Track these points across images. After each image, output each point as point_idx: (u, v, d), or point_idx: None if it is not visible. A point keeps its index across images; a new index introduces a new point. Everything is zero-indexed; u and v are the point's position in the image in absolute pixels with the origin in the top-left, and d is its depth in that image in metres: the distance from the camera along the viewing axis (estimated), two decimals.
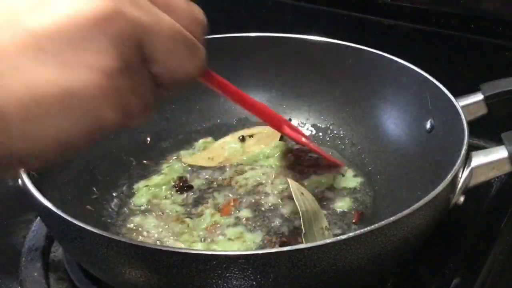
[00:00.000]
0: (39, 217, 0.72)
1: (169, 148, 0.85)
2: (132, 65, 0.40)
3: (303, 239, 0.62)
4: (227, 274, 0.50)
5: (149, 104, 0.43)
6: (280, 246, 0.66)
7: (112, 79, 0.39)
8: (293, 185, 0.67)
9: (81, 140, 0.39)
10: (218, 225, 0.70)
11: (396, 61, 0.78)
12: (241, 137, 0.85)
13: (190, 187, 0.77)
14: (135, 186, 0.78)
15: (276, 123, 0.74)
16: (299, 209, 0.64)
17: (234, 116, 0.88)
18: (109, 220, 0.73)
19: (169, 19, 0.42)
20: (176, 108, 0.87)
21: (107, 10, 0.38)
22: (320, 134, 0.86)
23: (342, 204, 0.73)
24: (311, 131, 0.87)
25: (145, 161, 0.82)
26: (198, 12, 0.48)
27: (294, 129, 0.79)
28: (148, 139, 0.85)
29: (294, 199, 0.65)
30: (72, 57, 0.38)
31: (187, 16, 0.45)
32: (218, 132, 0.87)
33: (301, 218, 0.63)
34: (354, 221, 0.71)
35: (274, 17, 1.03)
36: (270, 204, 0.73)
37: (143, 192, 0.76)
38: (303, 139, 0.78)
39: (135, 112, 0.42)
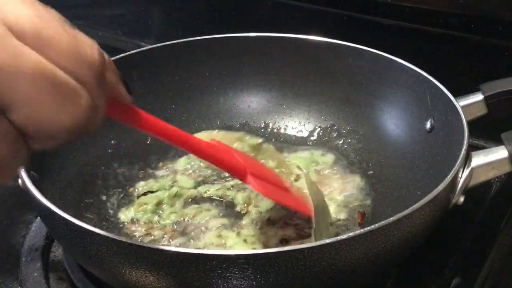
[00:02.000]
0: (39, 217, 0.72)
1: (169, 148, 0.85)
2: None
3: (313, 234, 0.62)
4: (227, 274, 0.50)
5: (9, 161, 0.36)
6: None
7: None
8: (307, 179, 0.68)
9: None
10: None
11: (396, 61, 0.78)
12: None
13: None
14: (135, 187, 0.78)
15: (239, 171, 0.61)
16: (312, 204, 0.64)
17: (234, 116, 0.88)
18: (109, 219, 0.73)
19: (34, 58, 0.34)
20: (176, 108, 0.87)
21: None
22: (320, 134, 0.86)
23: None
24: (311, 131, 0.87)
25: (145, 161, 0.82)
26: (87, 49, 0.37)
27: (267, 178, 0.65)
28: (148, 139, 0.85)
29: (308, 193, 0.65)
30: None
31: (68, 54, 0.36)
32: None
33: (313, 212, 0.63)
34: (359, 221, 0.71)
35: (274, 17, 1.03)
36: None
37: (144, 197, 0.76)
38: (277, 192, 0.66)
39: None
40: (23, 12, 0.34)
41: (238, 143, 0.71)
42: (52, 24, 0.36)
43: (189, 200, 0.75)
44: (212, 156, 0.58)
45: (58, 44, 0.35)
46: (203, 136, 0.60)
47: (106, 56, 0.39)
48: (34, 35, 0.34)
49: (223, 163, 0.59)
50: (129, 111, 0.48)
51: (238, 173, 0.61)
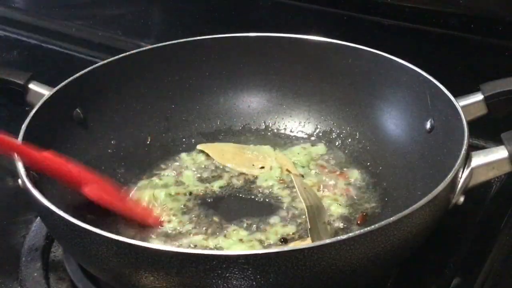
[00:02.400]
0: (39, 217, 0.72)
1: (169, 148, 0.85)
2: None
3: (309, 234, 0.62)
4: (227, 274, 0.50)
5: None
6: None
7: None
8: (296, 180, 0.68)
9: None
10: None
11: (396, 61, 0.78)
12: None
13: None
14: (136, 187, 0.78)
15: (82, 183, 0.68)
16: (304, 204, 0.64)
17: (234, 116, 0.88)
18: (109, 219, 0.72)
19: None
20: (176, 108, 0.87)
21: None
22: (320, 134, 0.86)
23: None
24: (311, 131, 0.87)
25: (145, 161, 0.82)
26: None
27: (106, 189, 0.71)
28: (148, 139, 0.85)
29: (299, 194, 0.65)
30: None
31: None
32: (218, 132, 0.87)
33: (306, 213, 0.63)
34: (358, 222, 0.71)
35: (274, 17, 1.03)
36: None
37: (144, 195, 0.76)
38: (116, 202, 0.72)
39: None
40: None
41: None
42: None
43: (194, 198, 0.75)
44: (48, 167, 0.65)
45: None
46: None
47: None
48: None
49: (58, 172, 0.66)
50: None
51: (73, 182, 0.68)
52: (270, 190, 0.76)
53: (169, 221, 0.71)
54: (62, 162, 0.67)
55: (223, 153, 0.83)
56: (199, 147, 0.84)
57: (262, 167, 0.80)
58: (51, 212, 0.55)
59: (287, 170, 0.78)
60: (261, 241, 0.68)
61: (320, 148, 0.83)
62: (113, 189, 0.73)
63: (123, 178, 0.79)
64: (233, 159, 0.82)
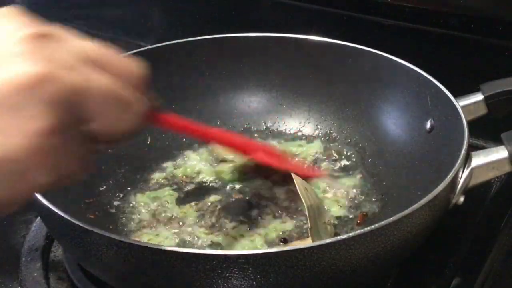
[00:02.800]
0: (39, 217, 0.72)
1: (169, 148, 0.85)
2: (65, 126, 0.40)
3: (310, 234, 0.62)
4: (227, 274, 0.50)
5: (83, 163, 0.44)
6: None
7: (45, 142, 0.39)
8: (297, 180, 0.67)
9: (12, 202, 0.40)
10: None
11: (396, 61, 0.78)
12: None
13: None
14: (136, 187, 0.78)
15: (249, 151, 0.73)
16: (304, 204, 0.64)
17: (234, 116, 0.88)
18: (110, 221, 0.73)
19: (101, 79, 0.42)
20: (176, 108, 0.86)
21: (40, 75, 0.38)
22: (320, 134, 0.86)
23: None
24: (311, 131, 0.86)
25: (145, 161, 0.82)
26: (134, 65, 0.47)
27: (271, 153, 0.77)
28: (148, 139, 0.85)
29: (299, 194, 0.65)
30: (4, 123, 0.38)
31: (122, 71, 0.45)
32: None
33: (307, 213, 0.63)
34: (358, 222, 0.71)
35: (274, 17, 1.03)
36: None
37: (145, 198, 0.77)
38: (281, 163, 0.76)
39: (69, 171, 0.43)
40: (86, 43, 0.44)
41: None
42: (107, 50, 0.45)
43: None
44: (230, 142, 0.70)
45: (113, 64, 0.44)
46: None
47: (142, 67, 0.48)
48: (98, 60, 0.43)
49: (236, 144, 0.71)
50: (158, 116, 0.56)
51: (250, 152, 0.72)
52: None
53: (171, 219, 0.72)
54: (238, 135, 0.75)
55: None
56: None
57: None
58: (51, 212, 0.55)
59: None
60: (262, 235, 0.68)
61: (316, 144, 0.84)
62: (276, 153, 0.78)
63: (123, 178, 0.79)
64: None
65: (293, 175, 0.69)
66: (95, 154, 0.46)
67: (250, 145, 0.75)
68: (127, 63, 0.46)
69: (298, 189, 0.66)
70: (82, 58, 0.42)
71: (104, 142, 0.45)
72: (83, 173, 0.45)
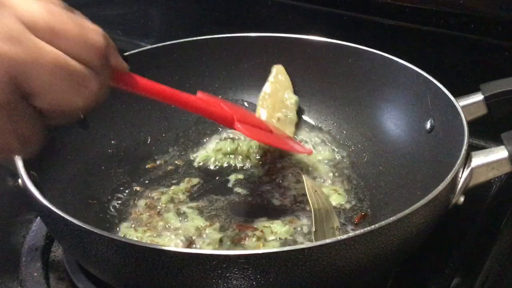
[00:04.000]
0: (39, 217, 0.72)
1: (169, 148, 0.85)
2: (9, 102, 0.38)
3: (313, 237, 0.62)
4: (227, 274, 0.50)
5: (31, 139, 0.41)
6: None
7: None
8: (307, 182, 0.67)
9: None
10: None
11: (396, 61, 0.78)
12: None
13: None
14: (136, 187, 0.78)
15: (227, 120, 0.67)
16: (311, 207, 0.64)
17: None
18: (110, 221, 0.73)
19: (50, 51, 0.39)
20: (176, 108, 0.87)
21: None
22: (320, 134, 0.86)
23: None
24: (311, 131, 0.87)
25: (145, 161, 0.82)
26: (93, 36, 0.43)
27: (252, 122, 0.72)
28: (148, 139, 0.85)
29: (308, 196, 0.65)
30: None
31: (77, 43, 0.41)
32: (218, 132, 0.87)
33: (312, 216, 0.63)
34: (356, 221, 0.71)
35: (274, 17, 1.03)
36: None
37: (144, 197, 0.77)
38: (262, 134, 0.73)
39: (16, 148, 0.40)
40: (35, 9, 0.39)
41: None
42: (62, 16, 0.40)
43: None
44: (202, 109, 0.64)
45: (69, 35, 0.40)
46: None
47: (108, 37, 0.45)
48: (48, 29, 0.39)
49: (212, 114, 0.65)
50: (127, 78, 0.52)
51: (226, 121, 0.67)
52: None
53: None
54: (216, 100, 0.69)
55: (273, 93, 0.85)
56: (278, 66, 0.86)
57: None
58: (51, 212, 0.55)
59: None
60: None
61: (329, 158, 0.83)
62: (260, 122, 0.75)
63: (123, 178, 0.79)
64: (267, 99, 0.85)
65: (304, 177, 0.69)
66: (45, 129, 0.42)
67: (230, 115, 0.68)
68: (84, 31, 0.42)
69: (307, 192, 0.66)
70: (30, 26, 0.38)
71: (55, 118, 0.42)
72: (32, 149, 0.42)
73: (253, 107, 0.88)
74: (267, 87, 0.86)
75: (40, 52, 0.38)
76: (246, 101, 0.89)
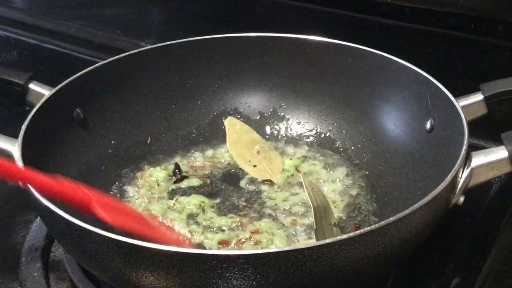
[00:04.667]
0: (39, 217, 0.72)
1: (169, 148, 0.85)
2: None
3: (314, 235, 0.62)
4: (227, 274, 0.50)
5: None
6: None
7: None
8: (305, 180, 0.67)
9: None
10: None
11: (396, 61, 0.78)
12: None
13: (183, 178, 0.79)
14: (136, 187, 0.78)
15: (83, 202, 0.58)
16: (311, 205, 0.64)
17: (234, 116, 0.88)
18: None
19: None
20: (176, 108, 0.87)
21: None
22: (320, 134, 0.86)
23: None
24: (311, 131, 0.86)
25: (144, 161, 0.82)
26: None
27: (119, 208, 0.64)
28: (148, 139, 0.85)
29: (306, 194, 0.65)
30: None
31: None
32: (218, 132, 0.87)
33: (313, 213, 0.63)
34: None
35: (274, 17, 1.03)
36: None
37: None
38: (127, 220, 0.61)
39: None
40: None
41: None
42: None
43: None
44: (56, 193, 0.57)
45: None
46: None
47: None
48: None
49: (67, 197, 0.58)
50: None
51: (82, 203, 0.58)
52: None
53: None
54: (74, 186, 0.59)
55: (238, 139, 0.84)
56: (228, 119, 0.86)
57: (255, 166, 0.81)
58: (51, 212, 0.55)
59: (296, 169, 0.79)
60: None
61: (329, 158, 0.83)
62: (132, 212, 0.67)
63: (123, 178, 0.79)
64: (239, 148, 0.83)
65: (301, 175, 0.69)
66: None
67: (82, 197, 0.58)
68: None
69: (305, 190, 0.66)
70: None
71: None
72: None
73: (253, 106, 0.88)
74: (229, 141, 0.85)
75: None
76: (246, 101, 0.89)
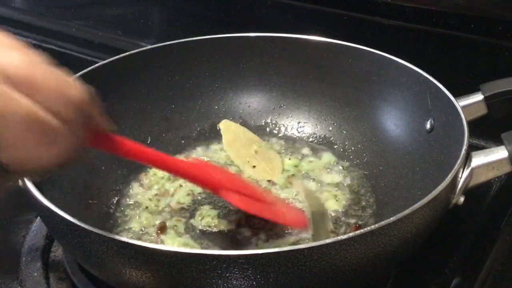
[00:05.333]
0: (39, 217, 0.72)
1: (169, 148, 0.85)
2: None
3: (312, 240, 0.62)
4: (227, 274, 0.50)
5: None
6: None
7: None
8: (301, 186, 0.67)
9: None
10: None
11: (396, 61, 0.78)
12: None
13: None
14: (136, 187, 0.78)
15: (218, 189, 0.62)
16: (308, 210, 0.64)
17: (234, 116, 0.88)
18: (110, 221, 0.73)
19: (24, 104, 0.37)
20: (176, 108, 0.87)
21: None
22: (320, 134, 0.86)
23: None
24: (311, 131, 0.87)
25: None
26: (73, 91, 0.41)
27: (241, 189, 0.65)
28: (149, 139, 0.85)
29: (304, 199, 0.65)
30: None
31: (55, 97, 0.39)
32: (218, 132, 0.87)
33: (310, 220, 0.63)
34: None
35: (274, 17, 1.03)
36: None
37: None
38: (253, 204, 0.64)
39: None
40: (13, 59, 0.37)
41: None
42: (41, 68, 0.38)
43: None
44: (188, 173, 0.60)
45: (46, 88, 0.38)
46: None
47: (90, 92, 0.42)
48: (25, 81, 0.37)
49: (200, 181, 0.62)
50: (110, 139, 0.50)
51: (214, 189, 0.62)
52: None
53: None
54: (206, 166, 0.65)
55: (234, 140, 0.84)
56: (223, 122, 0.86)
57: (254, 166, 0.80)
58: (51, 212, 0.55)
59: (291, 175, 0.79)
60: None
61: (329, 158, 0.83)
62: (256, 192, 0.67)
63: (123, 178, 0.79)
64: (236, 149, 0.82)
65: (299, 182, 0.68)
66: (8, 186, 0.40)
67: (217, 182, 0.62)
68: (64, 85, 0.40)
69: (302, 195, 0.66)
70: (8, 77, 0.36)
71: (19, 175, 0.40)
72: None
73: (253, 106, 0.88)
74: (226, 142, 0.84)
75: (12, 104, 0.36)
76: (246, 101, 0.89)
